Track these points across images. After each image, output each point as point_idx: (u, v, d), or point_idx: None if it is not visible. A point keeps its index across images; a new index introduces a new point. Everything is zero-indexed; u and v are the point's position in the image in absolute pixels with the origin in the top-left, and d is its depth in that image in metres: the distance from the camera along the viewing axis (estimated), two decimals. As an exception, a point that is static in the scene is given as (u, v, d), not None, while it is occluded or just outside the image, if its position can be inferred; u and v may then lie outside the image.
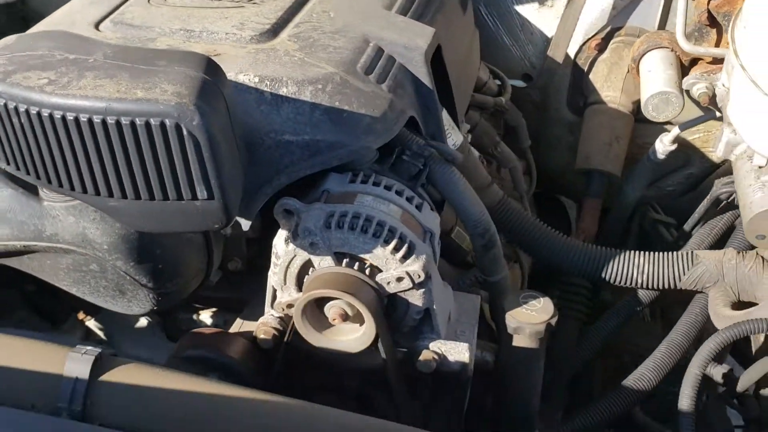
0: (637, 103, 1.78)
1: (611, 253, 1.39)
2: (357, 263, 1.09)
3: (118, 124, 0.86)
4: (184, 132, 0.85)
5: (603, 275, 1.38)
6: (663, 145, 1.68)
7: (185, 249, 1.11)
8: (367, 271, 1.09)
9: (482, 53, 1.83)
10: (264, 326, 1.19)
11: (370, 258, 1.09)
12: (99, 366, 0.77)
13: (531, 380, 1.32)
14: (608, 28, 1.84)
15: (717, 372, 1.30)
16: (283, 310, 1.15)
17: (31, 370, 0.76)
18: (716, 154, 1.45)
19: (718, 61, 1.60)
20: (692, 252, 1.36)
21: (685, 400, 1.22)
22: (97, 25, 1.23)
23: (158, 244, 1.07)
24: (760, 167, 1.30)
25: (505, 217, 1.42)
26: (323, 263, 1.10)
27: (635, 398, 1.38)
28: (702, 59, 1.66)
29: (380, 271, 1.10)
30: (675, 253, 1.37)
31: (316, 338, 1.12)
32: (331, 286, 1.06)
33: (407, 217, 1.15)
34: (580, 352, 1.55)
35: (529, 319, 1.23)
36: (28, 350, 0.80)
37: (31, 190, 1.04)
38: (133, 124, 0.86)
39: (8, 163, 0.96)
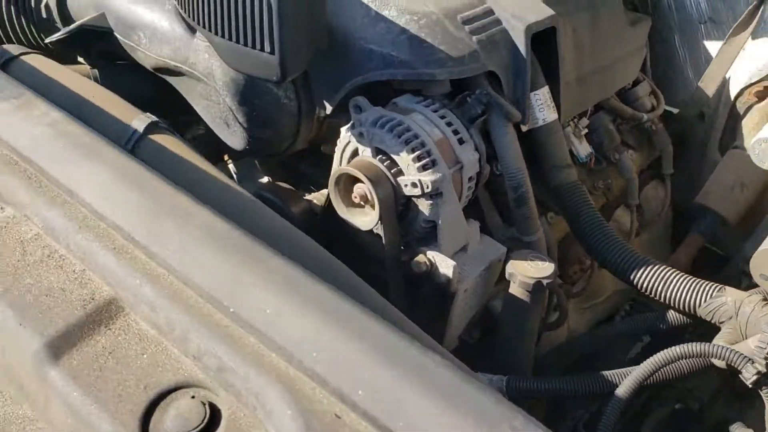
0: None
1: (647, 261, 1.45)
2: (388, 162, 1.34)
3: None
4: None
5: (632, 278, 1.45)
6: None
7: (278, 109, 1.44)
8: (393, 171, 1.33)
9: (664, 80, 1.99)
10: (320, 195, 1.49)
11: (398, 160, 1.33)
12: (151, 128, 1.14)
13: (519, 329, 1.45)
14: (775, 78, 1.82)
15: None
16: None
17: (114, 116, 1.15)
18: None
19: None
20: (720, 286, 1.38)
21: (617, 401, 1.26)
22: None
23: (257, 96, 1.41)
24: None
25: (568, 199, 1.55)
26: (365, 153, 1.37)
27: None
28: None
29: (402, 174, 1.33)
30: (705, 282, 1.40)
31: (341, 209, 1.39)
32: (356, 167, 1.32)
33: (444, 143, 1.36)
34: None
35: (524, 270, 1.38)
36: (116, 104, 1.19)
37: (191, 29, 1.44)
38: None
39: (180, 6, 1.36)
